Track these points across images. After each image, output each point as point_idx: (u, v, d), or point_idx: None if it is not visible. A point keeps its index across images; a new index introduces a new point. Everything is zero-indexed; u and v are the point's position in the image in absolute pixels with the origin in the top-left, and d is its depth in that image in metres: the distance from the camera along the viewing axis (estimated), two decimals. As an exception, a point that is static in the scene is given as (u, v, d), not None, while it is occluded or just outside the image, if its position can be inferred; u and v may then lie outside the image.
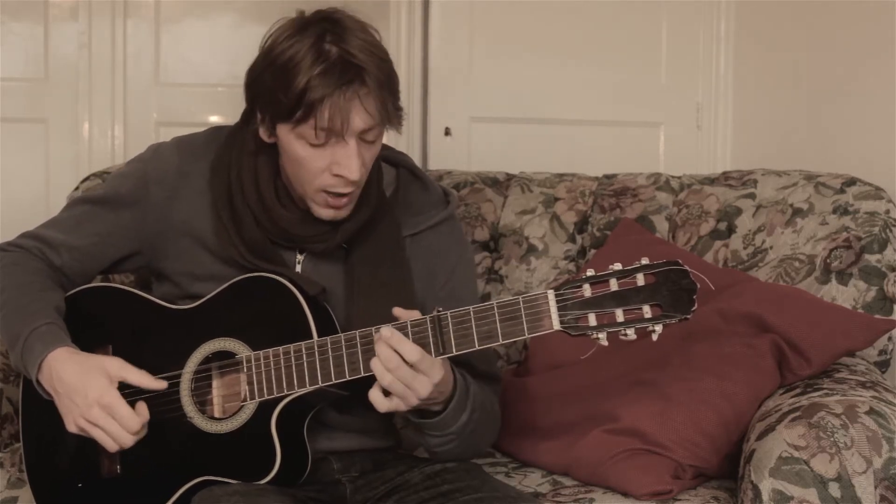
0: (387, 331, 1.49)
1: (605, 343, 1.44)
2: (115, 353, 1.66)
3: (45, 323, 1.62)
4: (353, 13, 1.59)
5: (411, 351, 1.47)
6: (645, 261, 1.45)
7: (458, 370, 1.60)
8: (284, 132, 1.57)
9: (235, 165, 1.66)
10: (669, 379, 1.84)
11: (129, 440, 1.57)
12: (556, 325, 1.45)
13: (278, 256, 1.67)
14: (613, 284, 1.44)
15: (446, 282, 1.73)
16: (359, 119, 1.53)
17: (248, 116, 1.64)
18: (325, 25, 1.55)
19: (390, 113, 1.56)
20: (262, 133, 1.61)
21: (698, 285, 1.43)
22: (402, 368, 1.47)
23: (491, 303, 1.48)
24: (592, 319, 1.44)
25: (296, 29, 1.55)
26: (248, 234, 1.65)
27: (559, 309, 1.45)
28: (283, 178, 1.65)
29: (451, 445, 1.63)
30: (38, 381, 1.61)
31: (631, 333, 1.44)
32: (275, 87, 1.54)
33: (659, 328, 1.43)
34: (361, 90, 1.52)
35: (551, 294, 1.46)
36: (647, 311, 1.43)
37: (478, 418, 1.62)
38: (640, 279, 1.44)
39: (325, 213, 1.62)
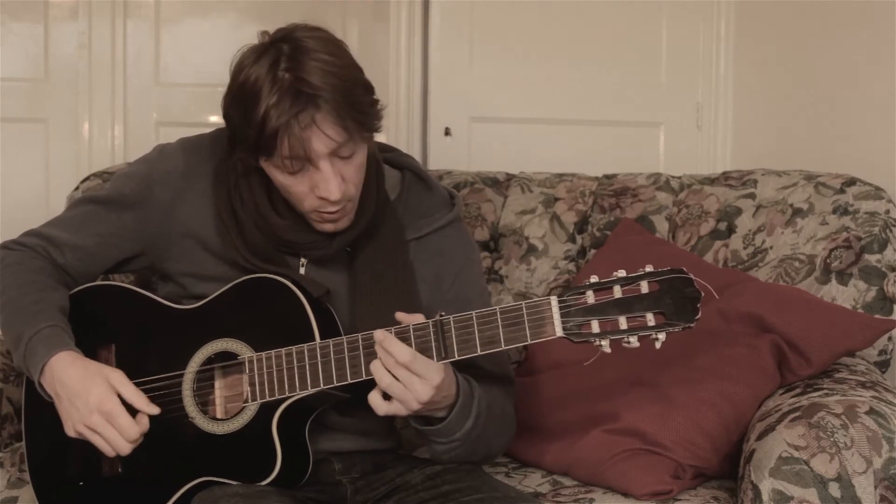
0: (380, 333, 1.49)
1: (608, 350, 1.44)
2: (118, 352, 1.67)
3: (48, 325, 1.62)
4: (319, 22, 1.58)
5: (402, 352, 1.47)
6: (649, 268, 1.45)
7: (463, 375, 1.60)
8: (265, 163, 1.58)
9: (234, 172, 1.67)
10: (669, 379, 1.84)
11: (126, 448, 1.57)
12: (559, 332, 1.45)
13: (281, 259, 1.67)
14: (617, 291, 1.44)
15: (453, 284, 1.73)
16: (320, 144, 1.52)
17: (231, 146, 1.62)
18: (283, 49, 1.52)
19: (353, 128, 1.53)
20: (250, 160, 1.60)
21: (702, 293, 1.43)
22: (398, 370, 1.47)
23: (494, 308, 1.49)
24: (595, 326, 1.44)
25: (256, 55, 1.54)
26: (251, 237, 1.65)
27: (562, 315, 1.45)
28: (279, 192, 1.65)
29: (457, 452, 1.62)
30: (39, 384, 1.61)
31: (634, 341, 1.44)
32: (241, 122, 1.54)
33: (662, 336, 1.43)
34: (317, 115, 1.50)
35: (554, 300, 1.46)
36: (650, 318, 1.43)
37: (484, 423, 1.62)
38: (644, 287, 1.44)
39: (325, 228, 1.63)
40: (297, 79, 1.50)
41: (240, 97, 1.54)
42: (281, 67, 1.51)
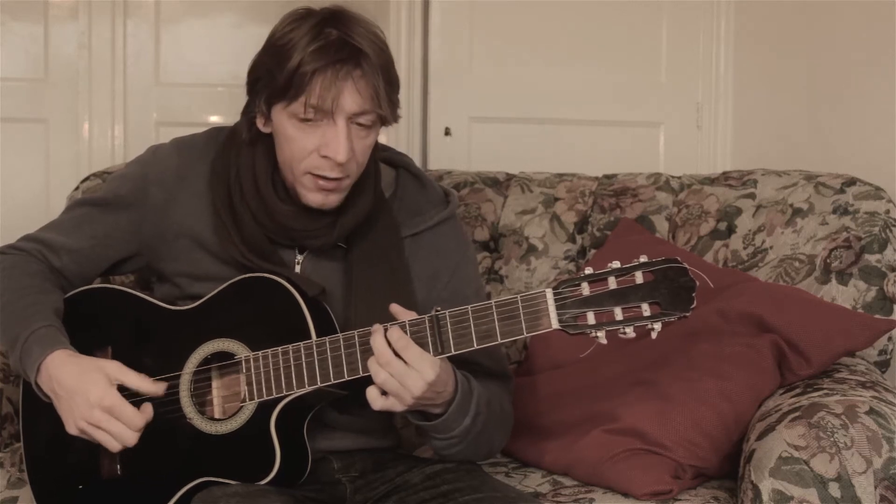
0: (377, 326, 1.50)
1: (605, 341, 1.44)
2: (115, 355, 1.66)
3: (42, 326, 1.62)
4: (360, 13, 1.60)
5: (398, 337, 1.48)
6: (643, 258, 1.44)
7: (462, 372, 1.60)
8: (278, 113, 1.58)
9: (234, 164, 1.67)
10: (669, 379, 1.84)
11: (132, 438, 1.57)
12: (555, 324, 1.45)
13: (278, 256, 1.67)
14: (612, 283, 1.44)
15: (449, 281, 1.73)
16: (350, 100, 1.53)
17: (246, 108, 1.64)
18: (329, 14, 1.56)
19: (384, 100, 1.54)
20: (259, 120, 1.62)
21: (697, 283, 1.43)
22: (394, 364, 1.47)
23: (489, 302, 1.48)
24: (591, 318, 1.44)
25: (299, 18, 1.57)
26: (248, 232, 1.65)
27: (557, 307, 1.45)
28: (280, 172, 1.65)
29: (456, 448, 1.62)
30: (36, 384, 1.61)
31: (630, 332, 1.43)
32: (272, 66, 1.55)
33: (658, 326, 1.43)
34: (355, 71, 1.52)
35: (549, 293, 1.45)
36: (645, 309, 1.43)
37: (483, 420, 1.62)
38: (639, 277, 1.43)
39: (313, 199, 1.61)
40: (345, 34, 1.53)
41: (275, 47, 1.55)
42: (328, 26, 1.53)
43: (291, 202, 1.65)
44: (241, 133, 1.67)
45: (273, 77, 1.54)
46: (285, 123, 1.57)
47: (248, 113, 1.64)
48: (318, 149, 1.56)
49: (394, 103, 1.58)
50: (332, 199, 1.62)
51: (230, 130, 1.72)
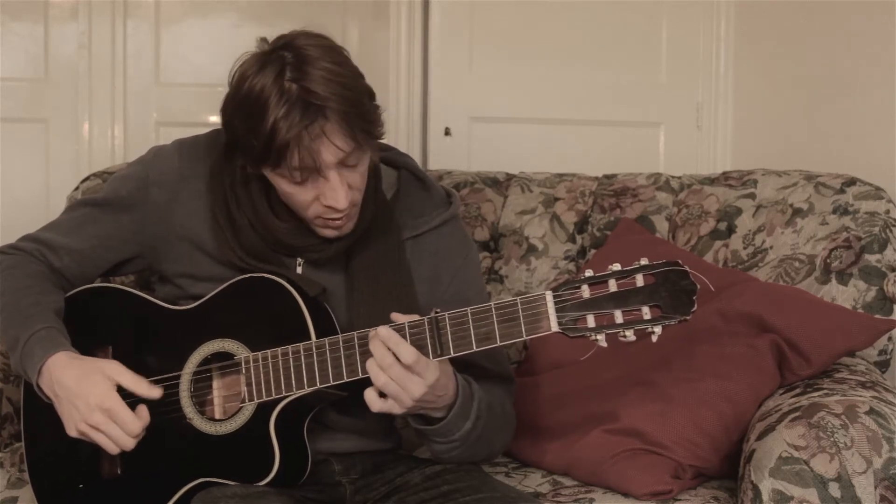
0: (384, 330, 1.49)
1: (605, 344, 1.43)
2: (115, 354, 1.66)
3: (43, 327, 1.62)
4: (319, 32, 1.57)
5: (408, 353, 1.47)
6: (644, 261, 1.44)
7: (463, 376, 1.60)
8: (268, 172, 1.57)
9: (228, 179, 1.66)
10: (670, 379, 1.84)
11: (130, 443, 1.57)
12: (555, 327, 1.45)
13: (278, 259, 1.67)
14: (612, 285, 1.43)
15: (451, 283, 1.73)
16: (329, 154, 1.52)
17: (230, 153, 1.62)
18: (286, 57, 1.51)
19: (360, 135, 1.53)
20: (250, 169, 1.60)
21: (698, 286, 1.43)
22: (395, 368, 1.47)
23: (489, 304, 1.48)
24: (591, 321, 1.43)
25: (259, 65, 1.53)
26: (247, 239, 1.65)
27: (557, 310, 1.44)
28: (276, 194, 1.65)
29: (457, 452, 1.62)
30: (38, 386, 1.61)
31: (630, 335, 1.43)
32: (246, 132, 1.53)
33: (658, 329, 1.42)
34: (326, 126, 1.49)
35: (549, 295, 1.45)
36: (646, 312, 1.42)
37: (484, 424, 1.61)
38: (640, 280, 1.43)
39: (328, 234, 1.63)
40: (304, 90, 1.49)
41: (245, 107, 1.53)
42: (287, 77, 1.50)
43: (290, 219, 1.65)
44: (229, 167, 1.64)
45: (250, 143, 1.52)
46: (278, 181, 1.57)
47: (233, 159, 1.61)
48: (318, 198, 1.56)
49: (373, 131, 1.55)
50: (346, 228, 1.63)
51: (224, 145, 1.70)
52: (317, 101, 1.49)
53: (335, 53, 1.55)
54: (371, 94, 1.58)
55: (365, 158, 1.58)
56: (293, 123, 1.48)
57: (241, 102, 1.53)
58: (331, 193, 1.55)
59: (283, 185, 1.57)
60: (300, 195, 1.57)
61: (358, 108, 1.53)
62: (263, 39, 1.57)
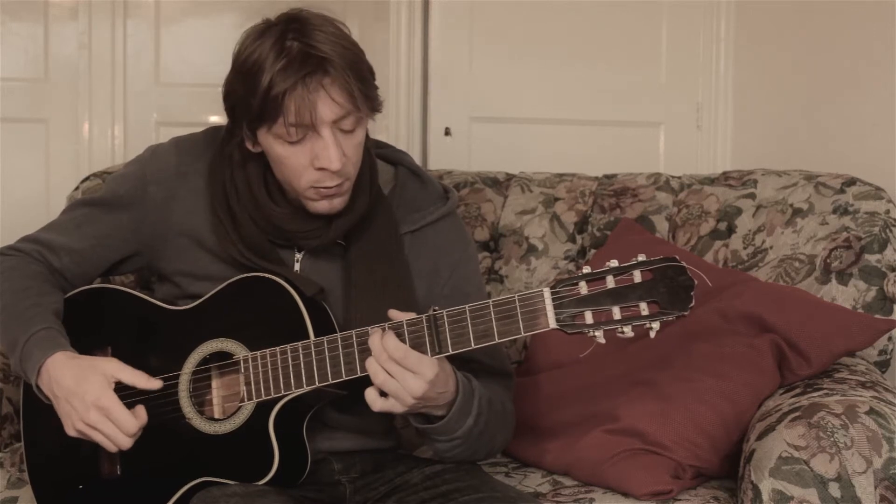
0: (374, 329, 1.50)
1: (603, 341, 1.43)
2: (114, 355, 1.66)
3: (42, 328, 1.63)
4: (321, 9, 1.59)
5: (395, 347, 1.47)
6: (642, 257, 1.44)
7: (462, 373, 1.60)
8: (264, 136, 1.57)
9: (227, 169, 1.66)
10: (669, 379, 1.84)
11: (126, 442, 1.57)
12: (553, 324, 1.44)
13: (276, 254, 1.67)
14: (610, 282, 1.43)
15: (449, 278, 1.73)
16: (327, 109, 1.52)
17: (231, 130, 1.63)
18: (288, 24, 1.54)
19: (359, 98, 1.53)
20: (247, 143, 1.61)
21: (696, 282, 1.43)
22: (391, 365, 1.47)
23: (487, 301, 1.48)
24: (589, 317, 1.43)
25: (259, 33, 1.56)
26: (246, 232, 1.65)
27: (555, 307, 1.44)
28: (272, 175, 1.65)
29: (459, 450, 1.62)
30: (37, 387, 1.62)
31: (628, 331, 1.42)
32: (245, 92, 1.54)
33: (656, 325, 1.42)
34: (325, 80, 1.51)
35: (547, 292, 1.45)
36: (644, 308, 1.42)
37: (485, 421, 1.61)
38: (637, 276, 1.43)
39: (320, 207, 1.62)
40: (306, 45, 1.51)
41: (243, 70, 1.54)
42: (288, 38, 1.52)
43: (287, 204, 1.65)
44: (228, 147, 1.65)
45: (248, 103, 1.53)
46: (273, 145, 1.57)
47: (234, 136, 1.62)
48: (312, 162, 1.56)
49: (371, 97, 1.57)
50: (337, 203, 1.62)
51: (224, 132, 1.71)
52: (318, 53, 1.51)
53: (339, 25, 1.58)
54: (371, 71, 1.59)
55: (360, 128, 1.58)
56: (291, 74, 1.49)
57: (240, 67, 1.55)
58: (324, 153, 1.54)
59: (278, 149, 1.56)
60: (294, 158, 1.56)
61: (359, 71, 1.54)
62: (266, 20, 1.59)
